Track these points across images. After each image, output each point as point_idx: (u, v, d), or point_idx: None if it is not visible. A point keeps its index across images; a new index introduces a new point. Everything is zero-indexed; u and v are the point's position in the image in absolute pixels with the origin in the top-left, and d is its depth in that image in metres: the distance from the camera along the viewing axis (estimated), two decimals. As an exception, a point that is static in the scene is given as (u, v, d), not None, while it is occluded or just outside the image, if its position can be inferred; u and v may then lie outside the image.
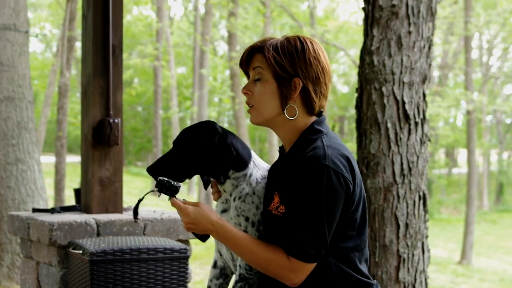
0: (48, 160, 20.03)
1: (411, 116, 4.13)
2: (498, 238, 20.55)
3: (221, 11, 20.40)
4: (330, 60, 2.26)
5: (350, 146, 18.44)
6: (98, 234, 3.72)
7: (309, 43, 2.14)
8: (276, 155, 16.99)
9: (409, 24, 4.14)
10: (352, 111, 25.08)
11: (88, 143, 4.00)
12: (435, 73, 25.29)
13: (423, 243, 4.17)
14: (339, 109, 29.14)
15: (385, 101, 4.12)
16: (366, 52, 4.21)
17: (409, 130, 4.13)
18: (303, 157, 2.06)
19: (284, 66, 2.11)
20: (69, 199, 14.07)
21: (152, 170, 2.21)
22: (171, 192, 2.12)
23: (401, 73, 4.12)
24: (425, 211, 4.20)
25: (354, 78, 23.27)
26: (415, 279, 4.13)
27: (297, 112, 2.14)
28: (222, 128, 2.26)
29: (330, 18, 23.99)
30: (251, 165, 2.25)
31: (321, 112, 2.19)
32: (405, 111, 4.11)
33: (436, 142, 25.26)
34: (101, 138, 3.98)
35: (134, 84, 28.36)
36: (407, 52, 4.13)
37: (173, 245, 3.48)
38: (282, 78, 2.12)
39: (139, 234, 3.81)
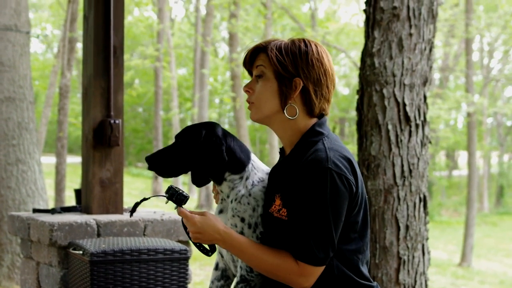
0: (48, 160, 20.03)
1: (412, 118, 4.13)
2: (498, 240, 20.53)
3: (222, 12, 20.41)
4: (331, 62, 2.26)
5: (351, 148, 18.44)
6: (99, 235, 3.72)
7: (313, 46, 2.15)
8: (276, 157, 17.01)
9: (410, 26, 4.14)
10: (353, 113, 25.09)
11: (88, 144, 4.00)
12: (436, 75, 25.29)
13: (423, 245, 4.17)
14: (340, 111, 29.15)
15: (386, 103, 4.12)
16: (367, 54, 4.21)
17: (410, 132, 4.13)
18: (305, 160, 2.06)
19: (285, 65, 2.12)
20: (70, 200, 14.07)
21: (150, 160, 2.28)
22: (180, 201, 2.14)
23: (402, 75, 4.12)
24: (426, 213, 4.20)
25: (354, 80, 23.29)
26: (415, 281, 4.13)
27: (297, 112, 2.14)
28: (223, 131, 2.27)
29: (331, 20, 23.99)
30: (249, 167, 2.26)
31: (323, 114, 2.19)
32: (405, 113, 4.11)
33: (436, 144, 25.25)
34: (101, 139, 3.98)
35: (135, 85, 28.37)
36: (408, 54, 4.14)
37: (173, 246, 3.48)
38: (283, 77, 2.13)
39: (139, 235, 3.81)
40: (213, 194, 2.41)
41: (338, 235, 2.04)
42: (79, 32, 12.89)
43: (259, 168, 2.29)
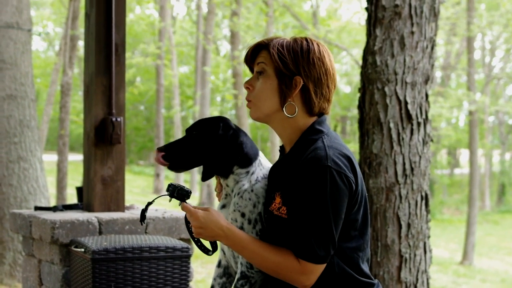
0: (50, 158, 20.04)
1: (414, 116, 4.12)
2: (500, 238, 20.53)
3: (223, 10, 20.39)
4: (333, 60, 2.26)
5: (353, 146, 18.45)
6: (100, 233, 3.72)
7: (315, 44, 2.15)
8: (278, 155, 16.85)
9: (412, 24, 4.14)
10: (354, 111, 25.08)
11: (90, 142, 4.00)
12: (438, 74, 25.29)
13: (425, 243, 4.17)
14: (341, 109, 29.14)
15: (388, 101, 4.12)
16: (368, 52, 4.21)
17: (412, 130, 4.13)
18: (305, 158, 2.06)
19: (286, 63, 2.12)
20: (71, 198, 14.08)
21: (163, 152, 2.25)
22: (182, 196, 2.14)
23: (403, 73, 4.12)
24: (427, 211, 4.20)
25: (356, 78, 23.29)
26: (417, 279, 4.13)
27: (296, 111, 2.14)
28: (235, 125, 2.31)
29: (332, 18, 23.97)
30: (256, 163, 2.28)
31: (322, 113, 2.19)
32: (407, 111, 4.11)
33: (438, 142, 25.24)
34: (103, 137, 3.98)
35: (137, 83, 28.37)
36: (410, 52, 4.13)
37: (175, 244, 3.48)
38: (283, 75, 2.13)
39: (141, 232, 3.82)
40: (215, 192, 2.41)
41: (338, 233, 2.04)
42: (81, 30, 12.89)
43: (265, 165, 2.31)
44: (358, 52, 20.40)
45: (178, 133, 21.98)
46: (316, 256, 2.01)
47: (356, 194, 2.07)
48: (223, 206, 2.33)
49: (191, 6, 26.13)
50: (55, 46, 27.64)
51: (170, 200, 2.19)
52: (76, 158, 23.41)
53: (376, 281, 2.17)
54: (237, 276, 2.25)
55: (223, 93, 20.17)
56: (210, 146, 2.25)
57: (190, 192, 2.15)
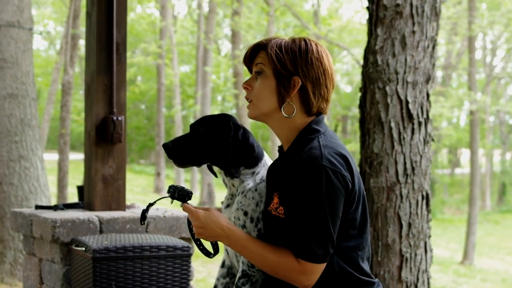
0: (51, 157, 20.04)
1: (415, 116, 4.12)
2: (501, 238, 20.52)
3: (224, 9, 20.39)
4: (333, 60, 2.27)
5: (353, 146, 18.43)
6: (101, 232, 3.72)
7: (313, 45, 2.15)
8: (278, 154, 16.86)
9: (413, 24, 4.14)
10: (355, 111, 25.07)
11: (91, 141, 4.00)
12: (439, 73, 25.27)
13: (425, 243, 4.17)
14: (342, 108, 29.13)
15: (389, 100, 4.12)
16: (370, 51, 4.21)
17: (413, 129, 4.13)
18: (300, 158, 2.06)
19: (285, 64, 2.12)
20: (72, 197, 14.09)
21: (170, 148, 2.24)
22: (183, 197, 2.14)
23: (404, 72, 4.12)
24: (428, 210, 4.20)
25: (357, 77, 23.26)
26: (418, 279, 4.13)
27: (294, 111, 2.14)
28: (243, 126, 2.32)
29: (333, 17, 23.96)
30: (261, 163, 2.31)
31: (320, 113, 2.19)
32: (408, 110, 4.11)
33: (439, 142, 25.23)
34: (104, 136, 3.98)
35: (138, 82, 28.38)
36: (411, 51, 4.13)
37: (175, 243, 3.48)
38: (281, 75, 2.13)
39: (141, 231, 3.82)
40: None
41: (336, 231, 2.04)
42: (82, 28, 12.91)
43: (269, 164, 2.31)
44: (359, 52, 20.40)
45: (179, 132, 21.97)
46: (315, 255, 2.01)
47: (353, 193, 2.07)
48: (227, 206, 2.34)
49: (192, 5, 26.13)
50: (56, 45, 27.63)
51: (172, 202, 2.19)
52: (77, 157, 23.42)
53: (376, 280, 2.17)
54: (238, 275, 2.26)
55: (224, 92, 20.15)
56: (221, 145, 2.25)
57: (191, 193, 2.15)
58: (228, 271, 2.39)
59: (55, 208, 4.05)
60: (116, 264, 3.33)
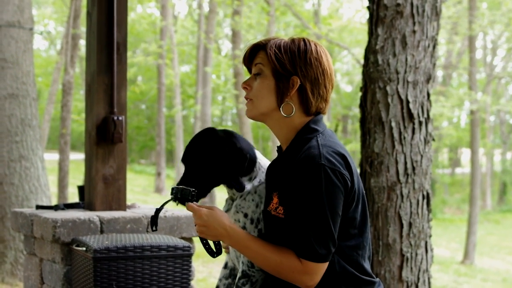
0: (51, 157, 20.03)
1: (415, 115, 4.12)
2: (501, 238, 20.52)
3: (225, 9, 20.39)
4: (333, 59, 2.27)
5: (354, 145, 18.43)
6: (102, 231, 3.72)
7: (312, 45, 2.16)
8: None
9: (414, 23, 4.14)
10: (356, 110, 25.08)
11: (92, 140, 4.00)
12: (439, 73, 25.27)
13: (426, 243, 4.17)
14: (343, 108, 29.13)
15: (389, 100, 4.12)
16: (370, 51, 4.21)
17: (413, 129, 4.12)
18: (299, 157, 2.06)
19: (283, 63, 2.13)
20: (73, 197, 14.08)
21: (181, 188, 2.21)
22: (185, 196, 2.14)
23: (405, 72, 4.12)
24: (429, 210, 4.20)
25: (357, 77, 23.26)
26: (418, 278, 4.13)
27: (293, 111, 2.14)
28: (225, 132, 2.29)
29: (334, 17, 23.95)
30: (256, 167, 2.30)
31: (319, 113, 2.19)
32: (409, 110, 4.11)
33: (439, 142, 25.23)
34: (105, 136, 3.98)
35: (138, 82, 28.38)
36: (412, 51, 4.13)
37: (176, 243, 3.48)
38: (280, 75, 2.13)
39: (142, 231, 3.82)
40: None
41: (337, 230, 2.04)
42: (82, 28, 12.91)
43: (265, 165, 2.31)
44: (359, 51, 20.38)
45: (179, 132, 21.97)
46: (317, 254, 2.01)
47: (353, 192, 2.07)
48: (226, 211, 2.33)
49: (193, 5, 26.13)
50: (57, 45, 27.63)
51: (177, 204, 2.18)
52: (77, 157, 23.42)
53: (377, 279, 2.17)
54: (238, 275, 2.26)
55: (224, 93, 20.15)
56: (219, 166, 2.24)
57: (194, 191, 2.14)
58: (230, 272, 2.40)
59: (55, 208, 4.05)
60: (116, 264, 3.33)
